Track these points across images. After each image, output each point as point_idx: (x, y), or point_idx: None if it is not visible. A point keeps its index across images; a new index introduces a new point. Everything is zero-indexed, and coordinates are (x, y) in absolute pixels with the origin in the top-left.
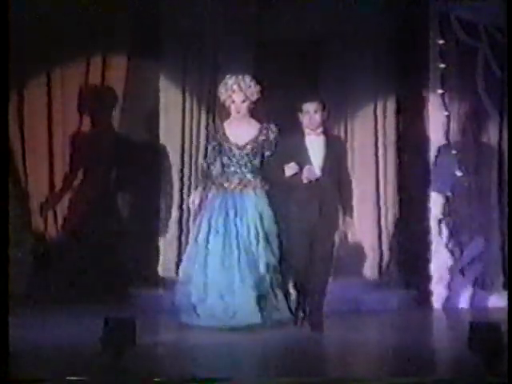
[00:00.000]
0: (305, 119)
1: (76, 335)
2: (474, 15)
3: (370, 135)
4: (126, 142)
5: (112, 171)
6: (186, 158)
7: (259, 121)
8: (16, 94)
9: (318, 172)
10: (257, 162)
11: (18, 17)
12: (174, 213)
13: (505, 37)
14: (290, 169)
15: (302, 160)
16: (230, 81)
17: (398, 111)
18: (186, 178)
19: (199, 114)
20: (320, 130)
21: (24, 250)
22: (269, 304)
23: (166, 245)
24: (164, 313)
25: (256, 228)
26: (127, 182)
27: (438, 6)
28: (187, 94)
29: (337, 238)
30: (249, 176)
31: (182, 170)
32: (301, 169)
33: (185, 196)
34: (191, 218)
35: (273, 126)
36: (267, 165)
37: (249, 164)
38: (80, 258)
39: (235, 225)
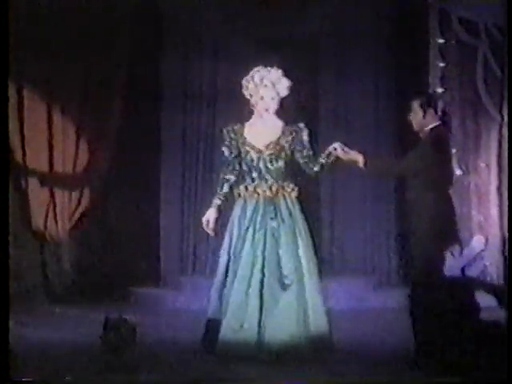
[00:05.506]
0: None
1: (76, 335)
2: (474, 14)
3: (369, 135)
4: (126, 141)
5: (112, 170)
6: (188, 157)
7: (285, 121)
8: (16, 94)
9: None
10: (280, 166)
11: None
12: (177, 212)
13: (505, 36)
14: None
15: None
16: (259, 74)
17: (398, 110)
18: (187, 177)
19: (200, 113)
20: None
21: (24, 250)
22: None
23: (167, 244)
24: (164, 312)
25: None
26: (128, 181)
27: (438, 6)
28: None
29: None
30: (270, 182)
31: (184, 168)
32: None
33: (186, 195)
34: (192, 217)
35: (302, 125)
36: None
37: (272, 170)
38: (80, 257)
39: (259, 248)
